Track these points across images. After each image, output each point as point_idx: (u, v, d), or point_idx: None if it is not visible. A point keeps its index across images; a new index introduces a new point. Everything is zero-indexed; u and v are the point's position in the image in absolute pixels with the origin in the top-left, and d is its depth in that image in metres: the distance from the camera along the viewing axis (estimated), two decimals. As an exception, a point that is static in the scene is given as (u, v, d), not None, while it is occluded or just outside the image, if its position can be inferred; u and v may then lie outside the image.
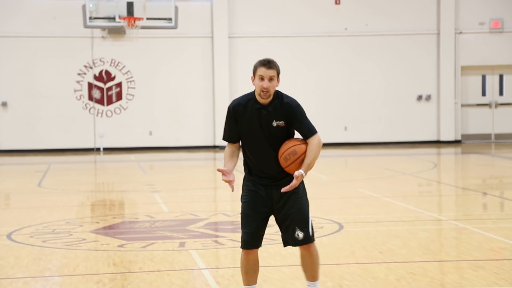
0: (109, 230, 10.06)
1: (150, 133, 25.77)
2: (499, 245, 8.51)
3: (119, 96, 25.68)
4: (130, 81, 25.69)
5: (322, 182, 15.62)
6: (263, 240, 8.82)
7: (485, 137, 26.86)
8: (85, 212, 12.24)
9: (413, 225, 9.99)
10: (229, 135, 5.78)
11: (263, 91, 5.60)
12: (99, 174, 19.37)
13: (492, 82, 26.75)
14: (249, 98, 5.71)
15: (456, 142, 26.41)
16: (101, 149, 25.49)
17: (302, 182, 5.82)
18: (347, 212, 11.31)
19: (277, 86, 5.68)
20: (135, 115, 25.74)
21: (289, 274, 7.25)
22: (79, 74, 25.46)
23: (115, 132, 25.62)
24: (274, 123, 5.65)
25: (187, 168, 20.32)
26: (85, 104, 25.54)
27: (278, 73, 5.64)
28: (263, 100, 5.66)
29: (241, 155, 5.87)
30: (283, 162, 5.67)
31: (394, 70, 26.30)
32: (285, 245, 5.93)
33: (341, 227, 9.82)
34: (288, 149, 5.66)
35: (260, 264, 7.54)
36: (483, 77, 26.76)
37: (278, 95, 5.72)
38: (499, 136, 26.86)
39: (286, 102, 5.70)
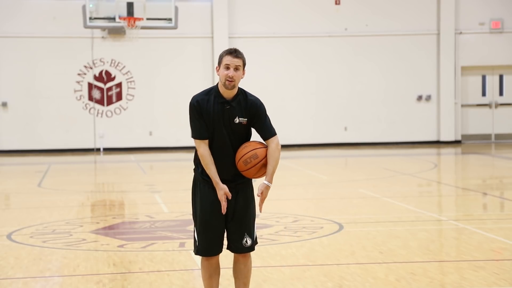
0: (109, 230, 10.06)
1: (150, 134, 25.77)
2: (499, 245, 8.51)
3: (119, 97, 25.68)
4: (130, 81, 25.69)
5: (322, 182, 15.62)
6: (262, 240, 8.84)
7: (485, 137, 26.85)
8: (85, 212, 12.24)
9: (413, 225, 9.99)
10: (200, 131, 5.47)
11: (228, 80, 5.42)
12: (99, 174, 19.37)
13: (492, 82, 26.75)
14: (211, 93, 5.53)
15: (456, 143, 26.41)
16: (101, 149, 25.49)
17: (252, 187, 5.67)
18: (347, 212, 11.31)
19: (242, 78, 5.51)
20: (135, 115, 25.73)
21: (289, 274, 7.25)
22: (79, 74, 25.46)
23: (115, 133, 25.62)
24: (237, 120, 5.48)
25: (187, 168, 20.26)
26: (85, 104, 25.53)
27: (244, 64, 5.50)
28: (226, 93, 5.48)
29: (191, 156, 5.67)
30: (242, 166, 5.47)
31: (394, 70, 26.30)
32: (228, 249, 5.69)
33: (341, 227, 9.82)
34: (248, 152, 5.47)
35: (260, 264, 7.58)
36: (483, 77, 26.75)
37: (242, 92, 5.57)
38: (499, 137, 26.86)
39: (251, 99, 5.54)
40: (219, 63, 5.52)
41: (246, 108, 5.52)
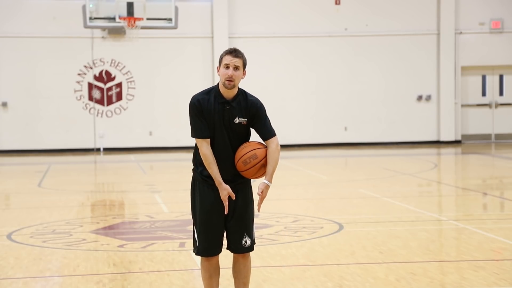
0: (109, 230, 10.06)
1: (150, 133, 25.77)
2: (499, 245, 8.51)
3: (119, 96, 25.68)
4: (130, 81, 25.69)
5: (322, 182, 15.62)
6: (262, 240, 8.84)
7: (485, 137, 26.85)
8: (85, 212, 12.24)
9: (413, 225, 9.99)
10: (201, 130, 5.48)
11: (227, 80, 5.44)
12: (99, 174, 19.37)
13: (492, 82, 26.75)
14: (212, 92, 5.54)
15: (456, 142, 26.41)
16: (101, 149, 25.49)
17: (251, 188, 5.67)
18: (347, 212, 11.30)
19: (242, 78, 5.52)
20: (135, 115, 25.73)
21: (289, 274, 7.25)
22: (79, 74, 25.46)
23: (115, 133, 25.62)
24: (237, 120, 5.49)
25: (187, 168, 20.23)
26: (85, 104, 25.53)
27: (244, 65, 5.51)
28: (227, 93, 5.49)
29: (189, 156, 5.66)
30: (241, 166, 5.47)
31: (394, 70, 26.30)
32: (228, 249, 5.69)
33: (341, 227, 9.82)
34: (248, 153, 5.47)
35: (260, 264, 7.59)
36: (483, 77, 26.75)
37: (243, 92, 5.58)
38: (499, 136, 26.86)
39: (251, 100, 5.55)
40: (220, 63, 5.55)
41: (246, 108, 5.53)
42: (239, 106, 5.52)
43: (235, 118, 5.50)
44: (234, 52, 5.51)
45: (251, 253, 5.69)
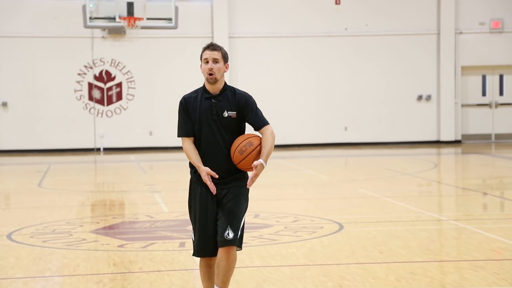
0: (109, 230, 10.06)
1: (150, 133, 25.78)
2: (499, 245, 8.51)
3: (119, 96, 25.68)
4: (130, 81, 25.69)
5: (322, 182, 15.62)
6: (262, 240, 8.84)
7: (485, 137, 26.85)
8: (85, 212, 12.24)
9: (413, 225, 9.99)
10: (185, 129, 5.54)
11: (209, 74, 5.49)
12: (99, 174, 19.37)
13: (492, 82, 26.75)
14: (199, 90, 5.62)
15: (456, 142, 26.41)
16: (101, 149, 25.49)
17: (245, 186, 5.59)
18: (347, 212, 11.30)
19: (225, 71, 5.57)
20: (135, 115, 25.73)
21: (289, 274, 7.25)
22: (79, 74, 25.46)
23: (115, 132, 25.62)
24: (226, 114, 5.51)
25: (187, 168, 20.20)
26: (85, 104, 25.53)
27: (224, 58, 5.54)
28: (212, 89, 5.54)
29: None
30: (238, 156, 5.45)
31: (394, 70, 26.30)
32: None
33: (341, 227, 9.82)
34: (243, 141, 5.47)
35: (260, 264, 7.58)
36: (483, 77, 26.76)
37: (230, 87, 5.62)
38: (499, 136, 26.86)
39: (239, 93, 5.59)
40: (200, 59, 5.60)
41: (235, 102, 5.56)
42: (227, 100, 5.55)
43: (223, 112, 5.52)
44: (211, 46, 5.57)
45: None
